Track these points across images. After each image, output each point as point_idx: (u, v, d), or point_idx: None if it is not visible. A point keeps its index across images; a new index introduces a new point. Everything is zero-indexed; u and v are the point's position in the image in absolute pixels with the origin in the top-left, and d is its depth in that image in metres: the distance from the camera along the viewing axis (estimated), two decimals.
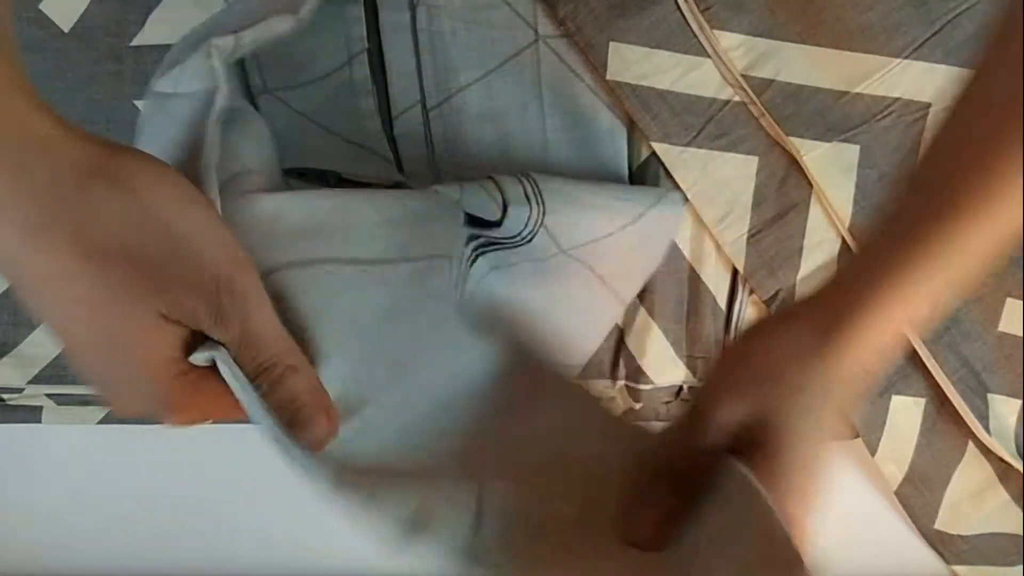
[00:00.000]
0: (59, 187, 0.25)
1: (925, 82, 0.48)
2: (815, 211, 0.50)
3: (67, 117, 0.25)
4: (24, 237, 0.24)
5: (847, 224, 0.49)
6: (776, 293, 0.50)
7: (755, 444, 0.30)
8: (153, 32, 0.50)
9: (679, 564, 0.30)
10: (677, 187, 0.49)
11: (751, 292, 0.51)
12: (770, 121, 0.48)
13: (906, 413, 0.55)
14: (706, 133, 0.49)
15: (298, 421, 0.28)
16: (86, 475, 0.57)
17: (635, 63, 0.48)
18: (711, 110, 0.49)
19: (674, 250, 0.50)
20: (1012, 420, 0.53)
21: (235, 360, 0.27)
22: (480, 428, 0.35)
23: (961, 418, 0.54)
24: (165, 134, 0.32)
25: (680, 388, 0.52)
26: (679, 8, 0.48)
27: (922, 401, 0.55)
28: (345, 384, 0.31)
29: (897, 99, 0.48)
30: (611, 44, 0.48)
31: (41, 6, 0.52)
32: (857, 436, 0.55)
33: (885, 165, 0.49)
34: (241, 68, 0.48)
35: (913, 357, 0.54)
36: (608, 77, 0.48)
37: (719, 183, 0.49)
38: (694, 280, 0.51)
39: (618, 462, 0.34)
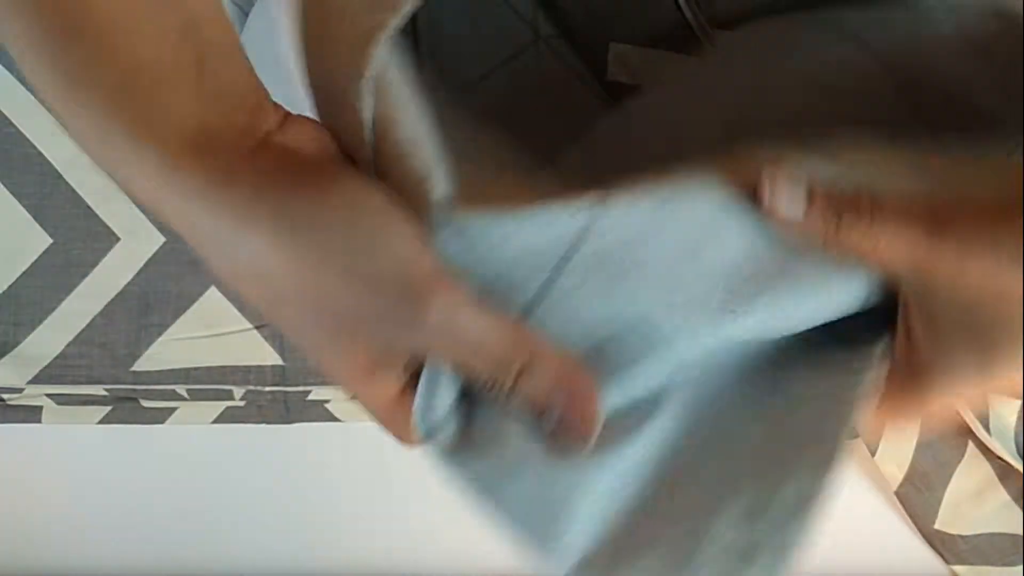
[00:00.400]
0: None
1: None
2: None
3: None
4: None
5: None
6: None
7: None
8: None
9: None
10: None
11: None
12: None
13: None
14: None
15: (553, 427, 0.23)
16: (86, 475, 0.57)
17: (635, 63, 0.48)
18: None
19: None
20: (1012, 420, 0.53)
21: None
22: None
23: (961, 418, 0.54)
24: None
25: None
26: (679, 8, 0.48)
27: None
28: None
29: None
30: (611, 44, 0.48)
31: None
32: (857, 436, 0.55)
33: None
34: None
35: None
36: (608, 78, 0.48)
37: None
38: None
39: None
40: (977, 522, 0.55)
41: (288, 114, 0.24)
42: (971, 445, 0.55)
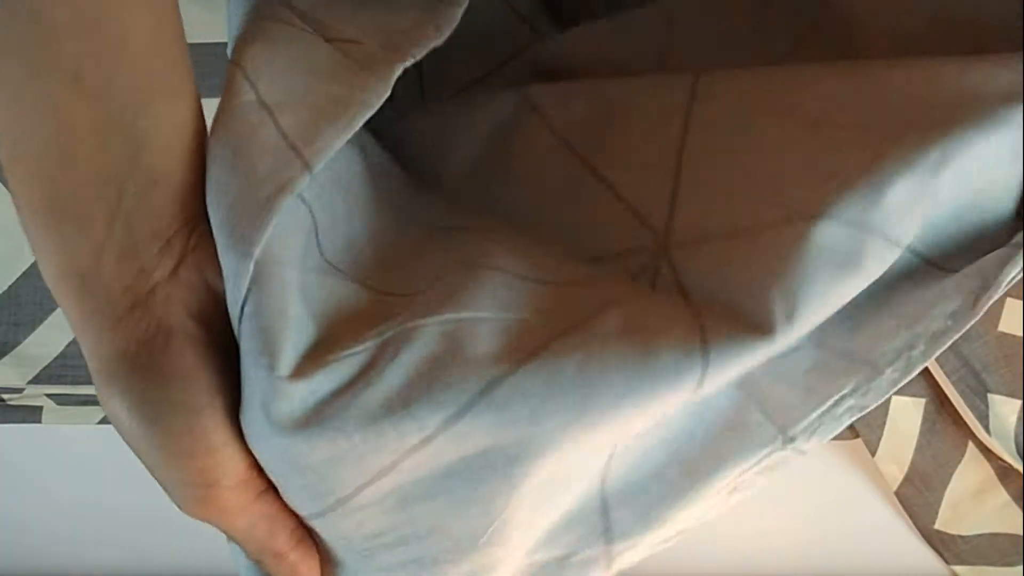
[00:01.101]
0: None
1: None
2: None
3: None
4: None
5: None
6: None
7: None
8: None
9: None
10: None
11: None
12: None
13: (906, 413, 0.55)
14: None
15: None
16: (86, 475, 0.57)
17: None
18: None
19: None
20: (1012, 420, 0.53)
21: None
22: None
23: (961, 418, 0.54)
24: None
25: None
26: None
27: (922, 401, 0.55)
28: None
29: None
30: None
31: None
32: (857, 436, 0.55)
33: None
34: None
35: None
36: None
37: None
38: None
39: None
40: (977, 522, 0.55)
41: (196, 246, 0.26)
42: (971, 445, 0.55)
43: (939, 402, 0.54)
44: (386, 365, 0.25)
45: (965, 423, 0.54)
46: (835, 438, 0.56)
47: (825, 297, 0.26)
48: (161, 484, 0.26)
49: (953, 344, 0.52)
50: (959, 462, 0.55)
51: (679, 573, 0.56)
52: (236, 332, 0.25)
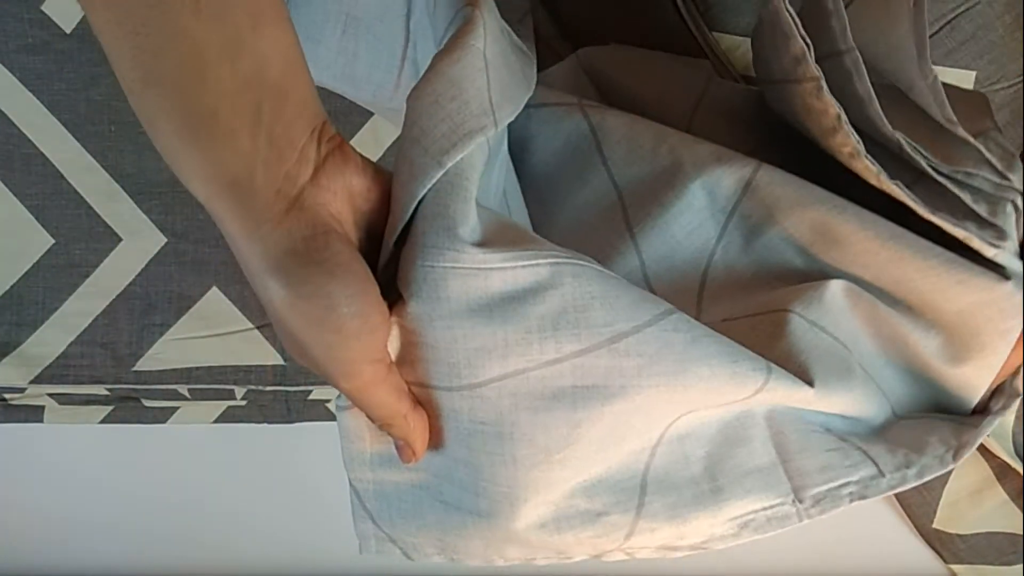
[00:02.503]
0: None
1: None
2: None
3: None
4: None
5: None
6: None
7: None
8: None
9: None
10: None
11: None
12: None
13: None
14: None
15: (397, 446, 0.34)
16: (88, 475, 0.57)
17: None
18: None
19: None
20: (1010, 420, 0.53)
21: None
22: None
23: None
24: None
25: None
26: (678, 10, 0.48)
27: None
28: None
29: None
30: (611, 46, 0.48)
31: (43, 7, 0.53)
32: None
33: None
34: None
35: None
36: None
37: None
38: None
39: None
40: (975, 521, 0.55)
41: (331, 151, 0.29)
42: None
43: None
44: (554, 289, 0.30)
45: None
46: None
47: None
48: (318, 364, 0.29)
49: None
50: None
51: (680, 573, 0.57)
52: (397, 222, 0.30)
